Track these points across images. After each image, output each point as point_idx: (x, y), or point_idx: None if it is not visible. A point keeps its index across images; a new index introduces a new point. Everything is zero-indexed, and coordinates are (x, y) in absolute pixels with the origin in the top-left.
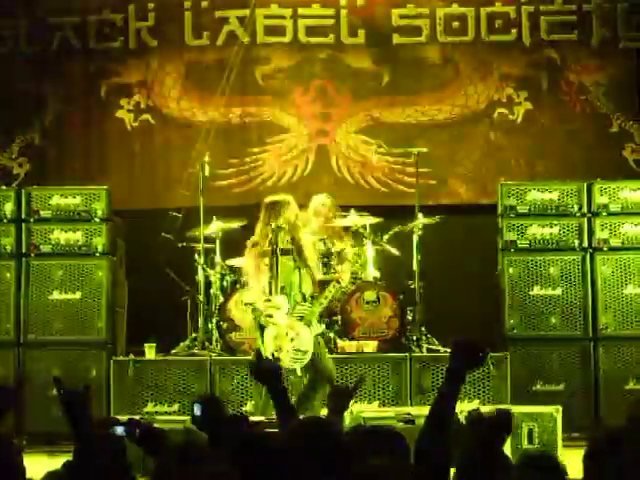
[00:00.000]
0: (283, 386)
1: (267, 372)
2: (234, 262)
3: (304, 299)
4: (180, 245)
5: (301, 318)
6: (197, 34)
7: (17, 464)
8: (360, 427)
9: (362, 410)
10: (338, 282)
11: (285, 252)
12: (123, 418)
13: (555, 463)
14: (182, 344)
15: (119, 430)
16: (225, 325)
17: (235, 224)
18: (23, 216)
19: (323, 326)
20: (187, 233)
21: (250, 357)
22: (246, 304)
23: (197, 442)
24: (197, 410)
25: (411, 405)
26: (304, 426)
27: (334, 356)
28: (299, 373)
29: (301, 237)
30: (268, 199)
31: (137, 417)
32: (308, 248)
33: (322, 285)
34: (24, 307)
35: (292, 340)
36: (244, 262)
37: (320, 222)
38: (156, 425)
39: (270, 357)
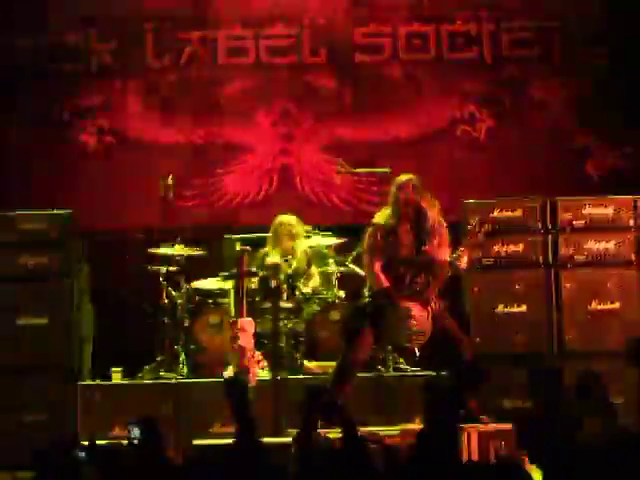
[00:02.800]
0: (247, 402)
1: (235, 387)
2: (199, 284)
3: (419, 274)
4: (145, 267)
5: (417, 295)
6: (159, 55)
7: None
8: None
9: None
10: (454, 263)
11: (250, 274)
12: (84, 442)
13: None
14: (148, 367)
15: (80, 454)
16: (191, 348)
17: (195, 252)
18: None
19: (443, 304)
20: (150, 251)
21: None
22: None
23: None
24: (135, 432)
25: (378, 425)
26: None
27: (301, 377)
28: (417, 353)
29: (427, 212)
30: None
31: (103, 442)
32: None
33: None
34: None
35: (409, 319)
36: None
37: (289, 242)
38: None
39: None
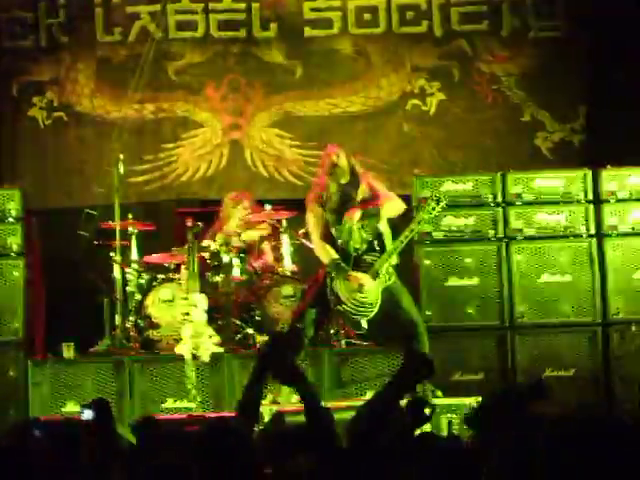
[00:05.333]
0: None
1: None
2: (150, 259)
3: (372, 249)
4: (96, 243)
5: (369, 268)
6: (108, 30)
7: None
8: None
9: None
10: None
11: (202, 249)
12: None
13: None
14: (100, 343)
15: (38, 432)
16: (143, 323)
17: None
18: None
19: (394, 278)
20: (101, 226)
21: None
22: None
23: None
24: (87, 415)
25: (330, 399)
26: (209, 429)
27: (252, 352)
28: (364, 326)
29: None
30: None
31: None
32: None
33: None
34: None
35: (359, 292)
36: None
37: (241, 217)
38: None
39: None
